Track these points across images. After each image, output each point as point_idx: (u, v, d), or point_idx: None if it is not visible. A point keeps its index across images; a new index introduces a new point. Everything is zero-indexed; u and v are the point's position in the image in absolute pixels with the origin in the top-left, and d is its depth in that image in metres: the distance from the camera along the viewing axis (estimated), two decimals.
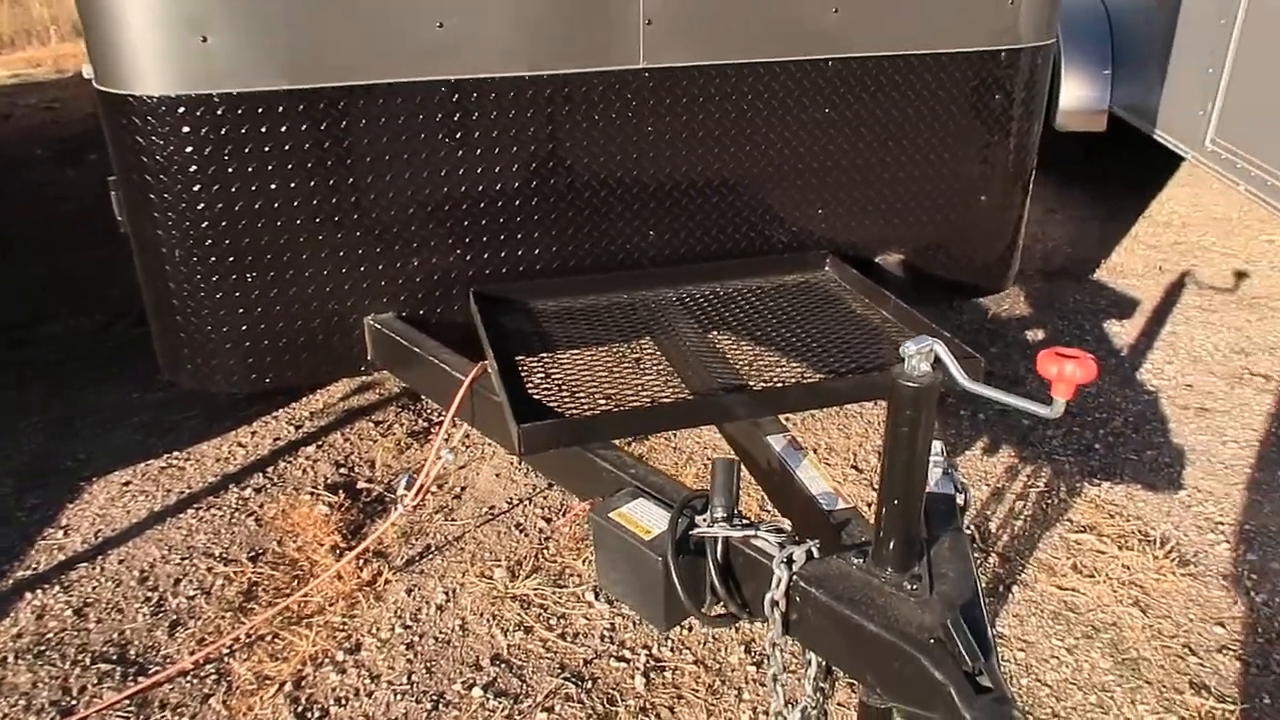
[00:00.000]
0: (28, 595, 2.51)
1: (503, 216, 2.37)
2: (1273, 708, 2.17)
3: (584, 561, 2.63)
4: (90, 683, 2.25)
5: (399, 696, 2.22)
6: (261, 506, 2.87)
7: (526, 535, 2.76)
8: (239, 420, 3.29)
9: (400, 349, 2.29)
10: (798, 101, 2.48)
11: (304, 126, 2.14)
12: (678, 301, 2.41)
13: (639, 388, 2.03)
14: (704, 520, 1.48)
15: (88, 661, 2.31)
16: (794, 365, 2.10)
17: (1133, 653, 2.33)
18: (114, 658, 2.32)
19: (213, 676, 2.27)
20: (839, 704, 2.17)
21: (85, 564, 2.64)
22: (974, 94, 2.62)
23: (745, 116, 2.45)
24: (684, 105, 2.39)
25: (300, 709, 2.18)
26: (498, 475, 3.02)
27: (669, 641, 2.37)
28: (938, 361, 1.28)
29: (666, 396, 1.99)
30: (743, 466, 1.75)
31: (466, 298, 2.36)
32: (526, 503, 2.89)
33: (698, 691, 2.23)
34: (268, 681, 2.25)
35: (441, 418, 3.19)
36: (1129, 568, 2.59)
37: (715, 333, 2.26)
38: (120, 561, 2.65)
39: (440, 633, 2.41)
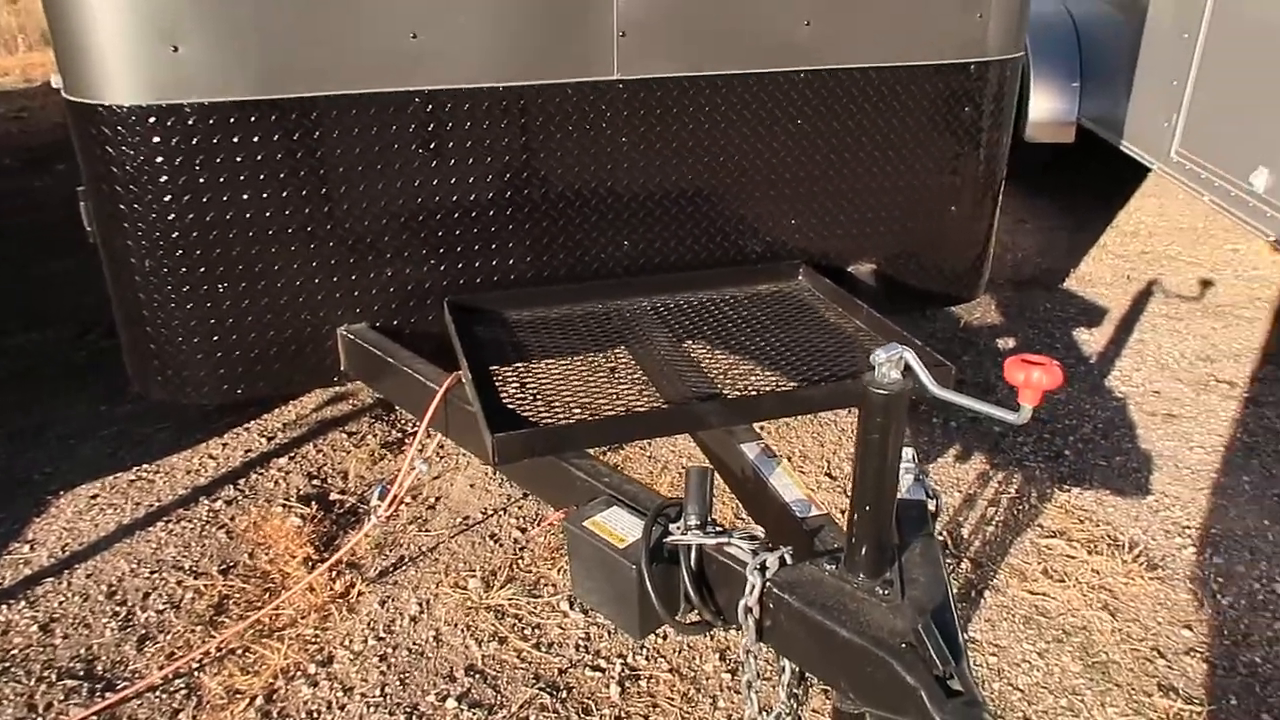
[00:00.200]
0: None
1: (477, 227, 2.36)
2: (1239, 709, 2.21)
3: (559, 571, 2.63)
4: (56, 699, 2.21)
5: (372, 709, 2.21)
6: (233, 519, 2.84)
7: (501, 545, 2.75)
8: (210, 432, 3.25)
9: (374, 359, 2.28)
10: (771, 113, 2.50)
11: (276, 137, 2.13)
12: (652, 311, 2.42)
13: (613, 397, 2.03)
14: (678, 528, 1.49)
15: (54, 678, 2.27)
16: (768, 374, 2.11)
17: (1102, 656, 2.35)
18: (81, 673, 2.29)
19: (182, 691, 2.24)
20: (813, 710, 2.18)
21: (51, 579, 2.60)
22: (944, 106, 2.65)
23: (719, 128, 2.47)
24: (658, 116, 2.40)
25: None
26: (472, 485, 3.01)
27: (644, 650, 2.37)
28: (908, 369, 1.29)
29: (641, 405, 1.99)
30: (717, 474, 1.76)
31: (440, 308, 2.36)
32: (501, 513, 2.88)
33: (673, 700, 2.24)
34: (238, 695, 2.22)
35: (415, 428, 3.17)
36: (1098, 572, 2.62)
37: (690, 342, 2.27)
38: (88, 576, 2.61)
39: (414, 644, 2.39)
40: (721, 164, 2.51)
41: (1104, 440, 3.24)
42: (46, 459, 3.10)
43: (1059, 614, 2.48)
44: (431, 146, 2.25)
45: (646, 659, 2.35)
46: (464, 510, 2.90)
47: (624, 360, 2.21)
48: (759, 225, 2.62)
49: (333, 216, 2.24)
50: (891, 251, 2.77)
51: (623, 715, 2.19)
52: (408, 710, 2.20)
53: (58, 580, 2.59)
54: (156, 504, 2.91)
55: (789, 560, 1.42)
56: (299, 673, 2.29)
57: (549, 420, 1.90)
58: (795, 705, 1.49)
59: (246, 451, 3.17)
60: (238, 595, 2.53)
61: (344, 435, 3.27)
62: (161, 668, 2.29)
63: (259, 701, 2.21)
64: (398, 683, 2.28)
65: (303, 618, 2.46)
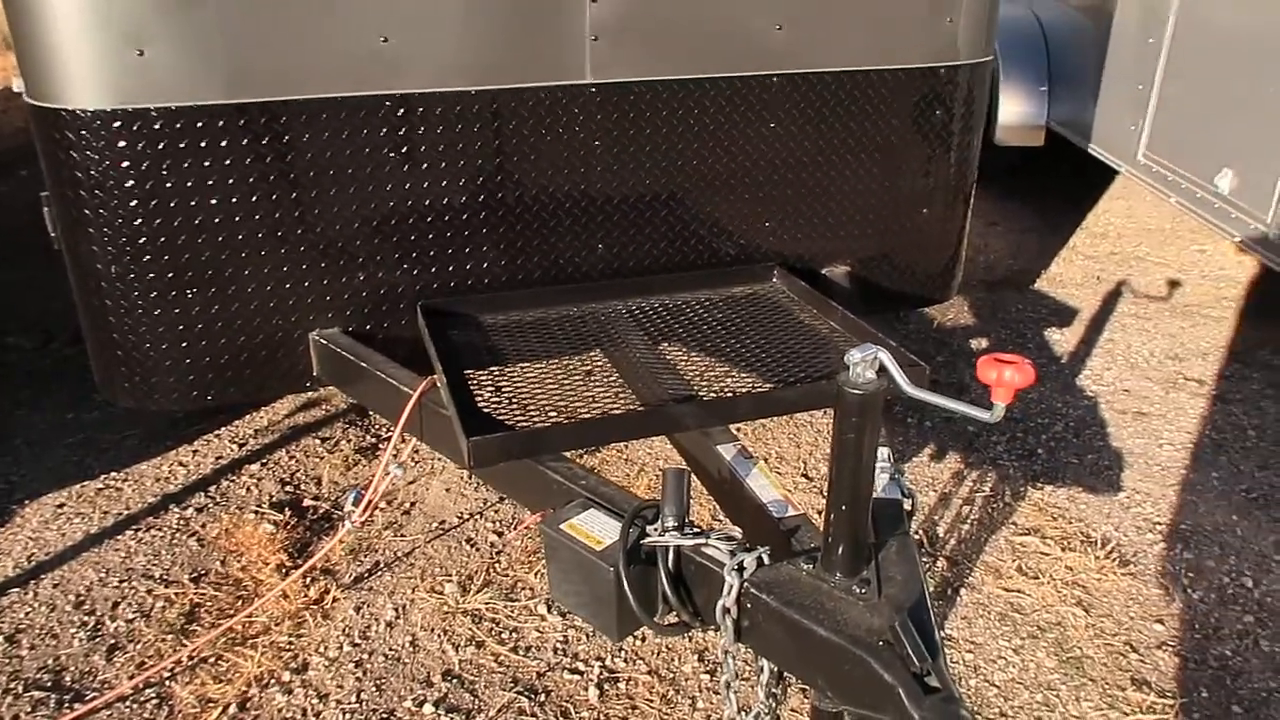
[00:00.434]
0: None
1: (450, 231, 2.35)
2: (1210, 701, 2.24)
3: (536, 575, 2.61)
4: (23, 711, 2.17)
5: (348, 716, 2.18)
6: (204, 526, 2.81)
7: (477, 549, 2.73)
8: (179, 439, 3.21)
9: (347, 364, 2.26)
10: (744, 116, 2.51)
11: (245, 141, 2.11)
12: (627, 314, 2.42)
13: (589, 400, 2.03)
14: (655, 530, 1.49)
15: (20, 689, 2.23)
16: (743, 375, 2.12)
17: (1076, 651, 2.38)
18: (48, 684, 2.25)
19: (153, 701, 2.20)
20: (792, 709, 2.18)
21: (17, 589, 2.55)
22: (915, 109, 2.67)
23: (692, 131, 2.48)
24: (631, 120, 2.41)
25: None
26: (448, 490, 2.99)
27: (622, 652, 2.37)
28: (882, 369, 1.30)
29: (617, 408, 1.99)
30: (693, 476, 1.76)
31: (414, 312, 2.34)
32: (477, 517, 2.87)
33: (652, 701, 2.23)
34: (211, 704, 2.19)
35: (389, 433, 3.15)
36: (1072, 569, 2.65)
37: (665, 344, 2.27)
38: (55, 586, 2.56)
39: (390, 650, 2.37)
40: (695, 167, 2.52)
41: (1076, 438, 3.27)
42: (11, 468, 3.05)
43: (1034, 610, 2.51)
44: (403, 150, 2.24)
45: (625, 661, 2.34)
46: (440, 515, 2.88)
47: (599, 363, 2.21)
48: (733, 228, 2.63)
49: (303, 221, 2.22)
50: (865, 253, 2.79)
51: (602, 718, 2.19)
52: (384, 716, 2.18)
53: (24, 591, 2.54)
54: (125, 512, 2.86)
55: (766, 560, 1.42)
56: (273, 680, 2.27)
57: (525, 424, 1.90)
58: (774, 705, 1.49)
59: (217, 458, 3.13)
60: (209, 603, 2.50)
61: (317, 441, 3.24)
62: (132, 677, 2.25)
63: (232, 710, 2.18)
64: (374, 689, 2.26)
65: (276, 625, 2.43)
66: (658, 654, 2.37)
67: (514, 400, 2.00)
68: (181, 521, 2.83)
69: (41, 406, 3.38)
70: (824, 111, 2.58)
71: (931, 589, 2.56)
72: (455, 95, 2.23)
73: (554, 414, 1.94)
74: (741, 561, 1.40)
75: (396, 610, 2.50)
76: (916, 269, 2.88)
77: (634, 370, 2.12)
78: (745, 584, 1.39)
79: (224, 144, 2.09)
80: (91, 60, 1.98)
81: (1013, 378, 1.27)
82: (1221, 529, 2.82)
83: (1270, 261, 3.61)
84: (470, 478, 3.02)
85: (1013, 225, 5.32)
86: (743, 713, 1.48)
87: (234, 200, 2.14)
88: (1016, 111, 5.15)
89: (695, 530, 1.47)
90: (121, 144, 2.03)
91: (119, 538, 2.76)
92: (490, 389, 2.04)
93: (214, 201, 2.13)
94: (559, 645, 2.39)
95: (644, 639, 2.40)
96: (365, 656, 2.35)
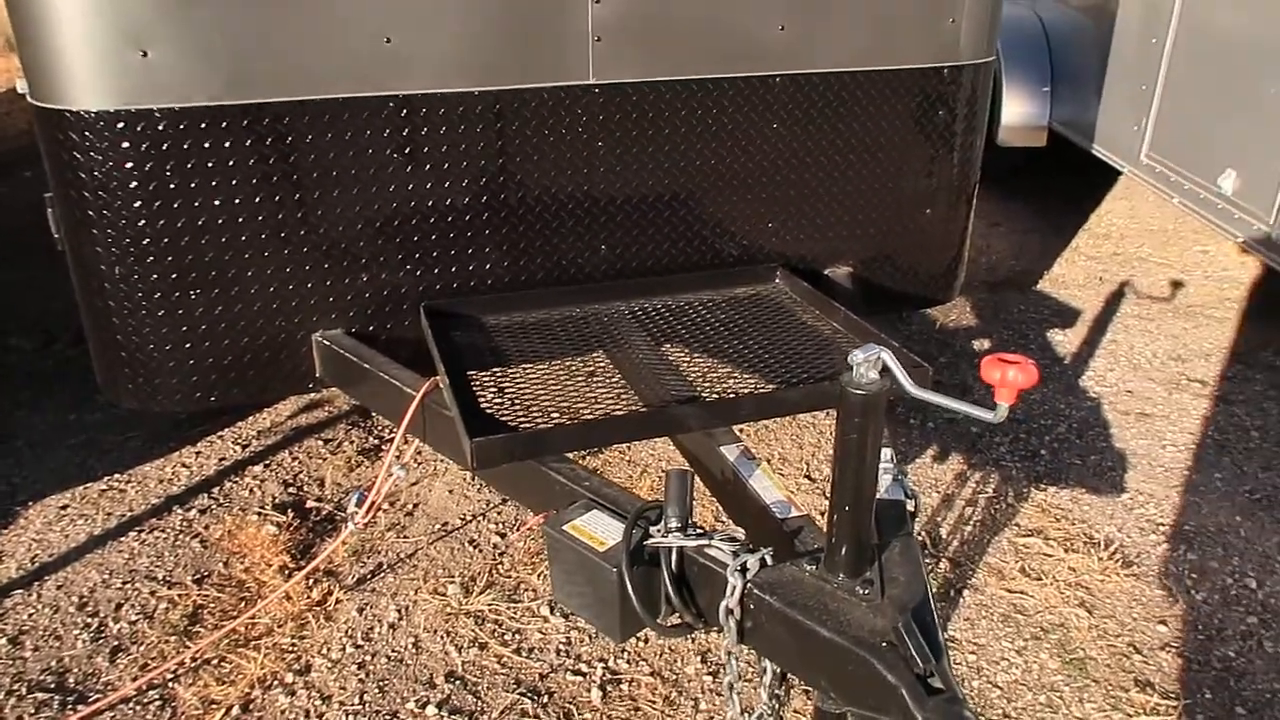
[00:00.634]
0: None
1: (453, 232, 2.35)
2: (1213, 702, 2.23)
3: (539, 576, 2.61)
4: (27, 713, 2.17)
5: (351, 717, 2.18)
6: (207, 528, 2.81)
7: (480, 551, 2.73)
8: (182, 441, 3.21)
9: (350, 366, 2.26)
10: (746, 117, 2.51)
11: (248, 142, 2.11)
12: (630, 315, 2.42)
13: (592, 401, 2.03)
14: (658, 531, 1.49)
15: (24, 691, 2.23)
16: (746, 376, 2.12)
17: (1080, 652, 2.37)
18: (52, 686, 2.25)
19: (156, 702, 2.21)
20: (794, 710, 2.18)
21: (21, 590, 2.55)
22: (918, 109, 2.67)
23: (695, 132, 2.48)
24: (634, 121, 2.40)
25: None
26: (450, 491, 2.99)
27: (625, 654, 2.37)
28: (885, 370, 1.30)
29: (620, 409, 1.99)
30: (696, 477, 1.76)
31: (416, 313, 2.34)
32: (480, 518, 2.87)
33: (654, 703, 2.23)
34: (214, 706, 2.19)
35: (392, 434, 3.15)
36: (1075, 570, 2.65)
37: (668, 345, 2.27)
38: (58, 587, 2.57)
39: (393, 651, 2.37)
40: (697, 168, 2.52)
41: (1079, 439, 3.27)
42: (14, 469, 3.05)
43: (1037, 611, 2.50)
44: (406, 151, 2.24)
45: (628, 662, 2.34)
46: (442, 516, 2.88)
47: (602, 364, 2.21)
48: (735, 229, 2.63)
49: (306, 222, 2.22)
50: (867, 254, 2.79)
51: (604, 719, 2.19)
52: (387, 718, 2.18)
53: (27, 592, 2.54)
54: (128, 514, 2.86)
55: (770, 561, 1.42)
56: (276, 682, 2.27)
57: (527, 425, 1.90)
58: (777, 706, 1.49)
59: (220, 460, 3.13)
60: (212, 605, 2.50)
61: (320, 442, 3.24)
62: (135, 679, 2.25)
63: (235, 711, 2.18)
64: (377, 690, 2.26)
65: (279, 626, 2.43)
66: (660, 655, 2.36)
67: (517, 401, 2.00)
68: (185, 523, 2.83)
69: (43, 408, 3.38)
70: (826, 112, 2.58)
71: (934, 590, 2.56)
72: (458, 96, 2.24)
73: (557, 415, 1.94)
74: (745, 562, 1.40)
75: (399, 612, 2.50)
76: (919, 270, 2.88)
77: (637, 371, 2.12)
78: (748, 585, 1.39)
79: (227, 145, 2.09)
80: (95, 61, 1.98)
81: (1016, 378, 1.27)
82: (1225, 530, 2.81)
83: (1273, 262, 3.60)
84: (473, 479, 3.02)
85: (1015, 226, 5.32)
86: (746, 714, 1.48)
87: (237, 201, 2.14)
88: (1019, 112, 5.15)
89: (698, 531, 1.47)
90: (125, 145, 2.03)
91: (122, 539, 2.76)
92: (493, 390, 2.04)
93: (217, 202, 2.13)
94: (562, 647, 2.39)
95: (646, 640, 2.40)
96: (368, 658, 2.35)
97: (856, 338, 2.24)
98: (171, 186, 2.08)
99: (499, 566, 2.67)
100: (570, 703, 2.23)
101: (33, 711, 2.18)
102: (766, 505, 1.70)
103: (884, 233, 2.79)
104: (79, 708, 2.18)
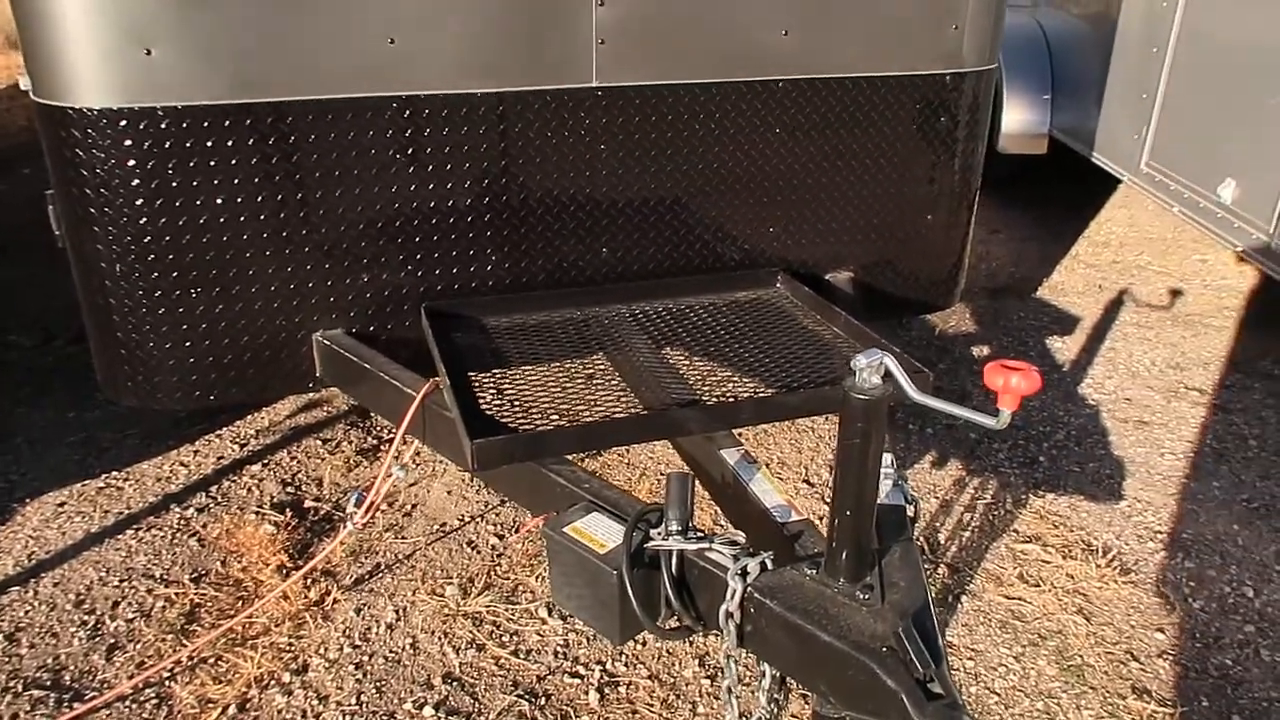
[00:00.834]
0: None
1: (454, 233, 2.36)
2: (1210, 710, 2.23)
3: (537, 578, 2.61)
4: (22, 710, 2.17)
5: (348, 718, 2.18)
6: (204, 526, 2.80)
7: (479, 552, 2.73)
8: (181, 439, 3.21)
9: (350, 366, 2.26)
10: (749, 121, 2.51)
11: (251, 141, 2.11)
12: (631, 318, 2.42)
13: (592, 403, 2.03)
14: (659, 533, 1.49)
15: (19, 688, 2.23)
16: (746, 380, 2.12)
17: (1077, 659, 2.37)
18: (48, 683, 2.24)
19: (153, 701, 2.20)
20: (793, 715, 2.18)
21: (17, 588, 2.54)
22: (920, 116, 2.68)
23: (697, 136, 2.48)
24: (636, 124, 2.41)
25: None
26: (449, 492, 2.99)
27: (623, 656, 2.36)
28: (887, 374, 1.30)
29: (620, 412, 1.99)
30: (697, 480, 1.76)
31: (417, 314, 2.34)
32: (478, 519, 2.87)
33: (652, 706, 2.23)
34: (210, 705, 2.19)
35: (392, 434, 3.15)
36: (1073, 576, 2.65)
37: (668, 348, 2.27)
38: (55, 585, 2.56)
39: (390, 652, 2.37)
40: (699, 172, 2.52)
41: (1077, 446, 3.27)
42: (12, 466, 3.04)
43: (1035, 618, 2.50)
44: (409, 152, 2.24)
45: (626, 665, 2.34)
46: (441, 517, 2.88)
47: (603, 367, 2.21)
48: (737, 233, 2.63)
49: (308, 222, 2.22)
50: (868, 259, 2.79)
51: None
52: (384, 718, 2.18)
53: (24, 589, 2.54)
54: (126, 511, 2.86)
55: (770, 565, 1.42)
56: (273, 681, 2.26)
57: (528, 426, 1.90)
58: (776, 710, 1.49)
59: (219, 458, 3.13)
60: (210, 604, 2.50)
61: (319, 442, 3.23)
62: (131, 677, 2.25)
63: (232, 710, 2.18)
64: (374, 691, 2.25)
65: (276, 626, 2.42)
66: (658, 658, 2.36)
67: (517, 403, 2.00)
68: (182, 521, 2.83)
69: (42, 405, 3.38)
70: (829, 117, 2.58)
71: (934, 595, 2.55)
72: (461, 97, 2.24)
73: (557, 417, 1.94)
74: (745, 566, 1.40)
75: (397, 612, 2.49)
76: (920, 275, 2.89)
77: (637, 374, 2.12)
78: (748, 589, 1.39)
79: (230, 144, 2.09)
80: (98, 59, 1.98)
81: (1019, 384, 1.27)
82: (1222, 538, 2.82)
83: (1271, 271, 3.61)
84: (472, 480, 3.01)
85: (1015, 233, 5.33)
86: (744, 718, 1.48)
87: (239, 200, 2.14)
88: (1019, 119, 5.16)
89: (699, 535, 1.47)
90: (127, 143, 2.03)
91: (120, 537, 2.75)
92: (494, 391, 2.04)
93: (219, 201, 2.13)
94: (559, 649, 2.39)
95: (645, 643, 2.40)
96: (365, 658, 2.35)
97: (857, 343, 2.24)
98: (173, 185, 2.08)
99: (497, 568, 2.66)
100: (568, 705, 2.23)
101: (29, 709, 2.17)
102: (767, 509, 1.70)
103: (885, 238, 2.79)
104: (75, 705, 2.17)
